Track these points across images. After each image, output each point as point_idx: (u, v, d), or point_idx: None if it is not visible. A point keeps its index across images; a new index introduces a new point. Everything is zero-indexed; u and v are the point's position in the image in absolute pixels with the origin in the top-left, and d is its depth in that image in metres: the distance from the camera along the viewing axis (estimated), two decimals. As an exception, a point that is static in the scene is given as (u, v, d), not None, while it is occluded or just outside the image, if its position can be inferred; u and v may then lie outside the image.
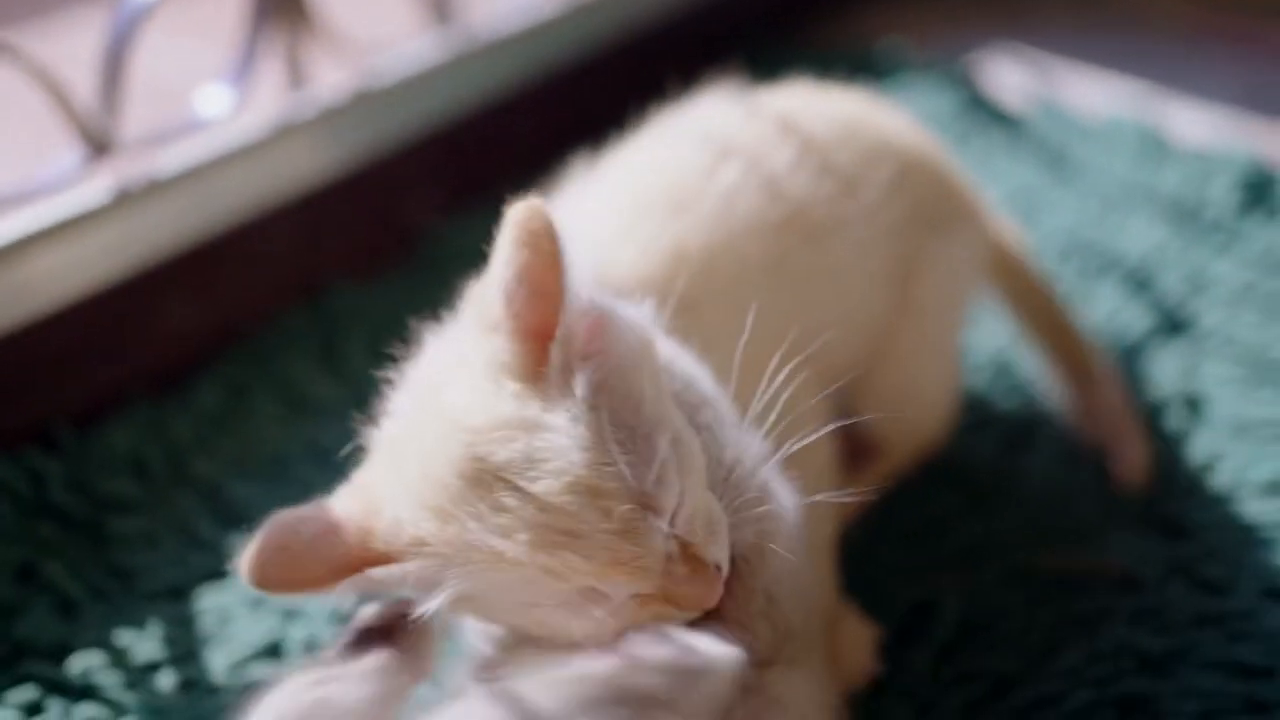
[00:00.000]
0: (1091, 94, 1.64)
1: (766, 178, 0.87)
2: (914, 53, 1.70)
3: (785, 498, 0.73)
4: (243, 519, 0.99)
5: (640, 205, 0.84)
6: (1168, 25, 1.83)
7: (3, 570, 0.94)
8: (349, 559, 0.61)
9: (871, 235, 0.92)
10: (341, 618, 0.92)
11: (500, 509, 0.59)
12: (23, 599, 0.92)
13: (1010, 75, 1.69)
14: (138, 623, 0.91)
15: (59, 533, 0.98)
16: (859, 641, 0.86)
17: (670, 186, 0.85)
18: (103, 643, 0.89)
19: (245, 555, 0.60)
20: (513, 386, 0.60)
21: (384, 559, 0.61)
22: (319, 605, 0.92)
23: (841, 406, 0.94)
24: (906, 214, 0.94)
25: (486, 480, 0.59)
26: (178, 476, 1.04)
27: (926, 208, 0.96)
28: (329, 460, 1.03)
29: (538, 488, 0.58)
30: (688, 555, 0.61)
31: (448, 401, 0.62)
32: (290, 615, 0.92)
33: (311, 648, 0.90)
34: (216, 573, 0.96)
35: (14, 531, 0.97)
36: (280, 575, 0.61)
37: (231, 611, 0.93)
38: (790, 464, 0.85)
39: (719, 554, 0.62)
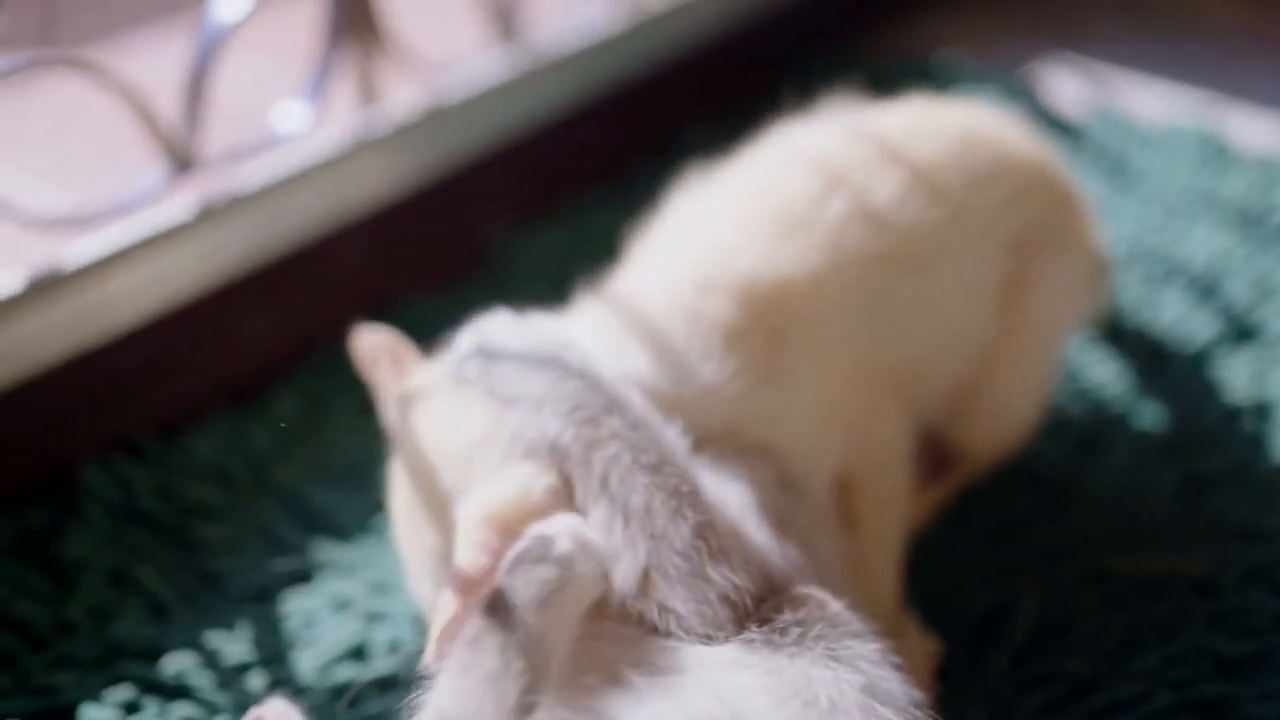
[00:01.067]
0: (1148, 102, 1.63)
1: (874, 209, 0.87)
2: (969, 63, 1.71)
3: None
4: (324, 525, 1.02)
5: (748, 228, 0.85)
6: (1223, 32, 1.83)
7: (97, 575, 0.96)
8: None
9: (979, 259, 0.92)
10: (424, 621, 0.93)
11: None
12: (117, 602, 0.95)
13: (1067, 85, 1.70)
14: (226, 625, 0.93)
15: (148, 538, 1.01)
16: (917, 658, 0.86)
17: (779, 212, 0.86)
18: (194, 644, 0.91)
19: None
20: None
21: None
22: (402, 608, 0.94)
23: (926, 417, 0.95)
24: (1020, 232, 0.94)
25: None
26: (259, 484, 1.07)
27: (1041, 224, 0.96)
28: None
29: None
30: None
31: None
32: (374, 618, 0.94)
33: (395, 649, 0.92)
34: (300, 576, 0.98)
35: (106, 537, 1.00)
36: None
37: (316, 615, 0.95)
38: (865, 484, 0.86)
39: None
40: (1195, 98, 1.64)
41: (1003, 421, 1.02)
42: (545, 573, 0.67)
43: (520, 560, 0.67)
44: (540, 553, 0.68)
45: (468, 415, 0.78)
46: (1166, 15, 1.88)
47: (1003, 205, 0.93)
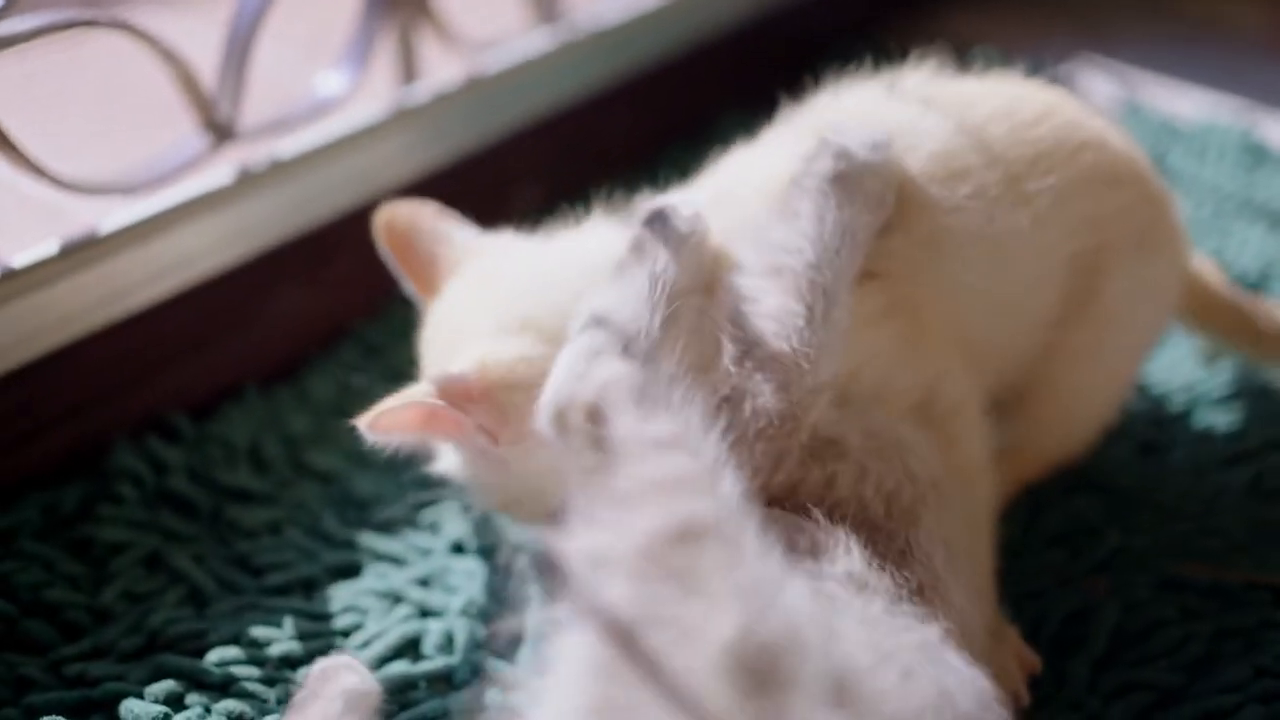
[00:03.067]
0: (1179, 106, 1.62)
1: (956, 128, 0.86)
2: (1004, 62, 1.68)
3: None
4: (368, 515, 0.97)
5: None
6: (1251, 35, 1.81)
7: (132, 559, 0.91)
8: None
9: (1046, 225, 0.87)
10: (476, 615, 0.89)
11: None
12: (154, 589, 0.90)
13: (1099, 85, 1.67)
14: (271, 617, 0.88)
15: (183, 523, 0.96)
16: (1013, 667, 0.83)
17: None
18: (238, 637, 0.86)
19: None
20: None
21: None
22: (455, 602, 0.90)
23: (995, 410, 0.92)
24: (1095, 218, 0.90)
25: None
26: (297, 467, 1.02)
27: (1123, 217, 0.92)
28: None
29: None
30: None
31: None
32: (426, 612, 0.90)
33: (447, 645, 0.87)
34: (348, 569, 0.93)
35: (141, 520, 0.95)
36: None
37: (365, 606, 0.90)
38: (947, 459, 0.83)
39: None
40: (1222, 101, 1.62)
41: (1072, 418, 0.99)
42: (685, 215, 0.78)
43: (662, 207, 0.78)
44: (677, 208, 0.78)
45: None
46: (1191, 18, 1.86)
47: (1074, 184, 0.89)
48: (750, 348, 0.74)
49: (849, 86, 0.93)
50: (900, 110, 0.88)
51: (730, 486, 0.60)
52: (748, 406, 0.73)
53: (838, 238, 0.77)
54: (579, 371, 0.66)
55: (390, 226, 0.89)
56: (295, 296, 1.11)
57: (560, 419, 0.65)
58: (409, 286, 0.91)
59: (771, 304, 0.75)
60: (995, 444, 0.89)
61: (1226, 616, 0.90)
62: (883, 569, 0.71)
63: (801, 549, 0.69)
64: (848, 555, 0.68)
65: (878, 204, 0.80)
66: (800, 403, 0.73)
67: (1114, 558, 0.96)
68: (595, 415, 0.63)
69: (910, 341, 0.83)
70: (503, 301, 0.82)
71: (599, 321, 0.70)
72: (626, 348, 0.68)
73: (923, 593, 0.73)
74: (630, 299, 0.72)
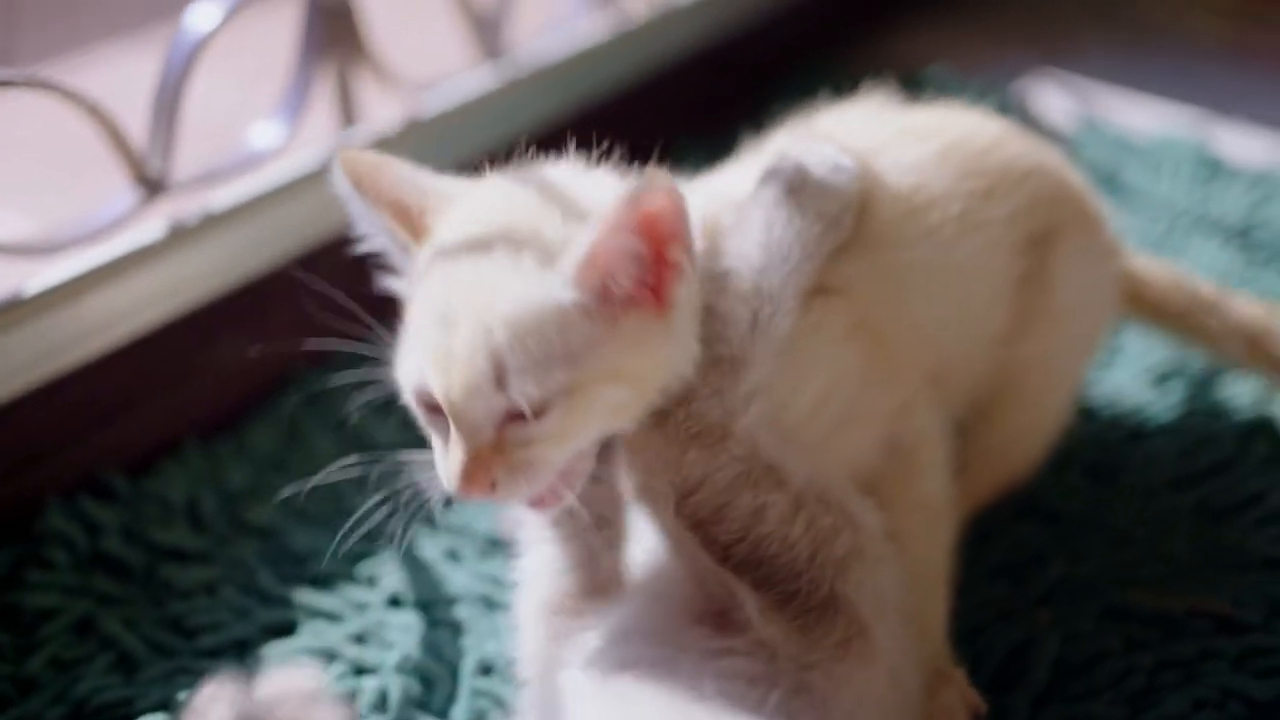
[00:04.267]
0: (1136, 118, 1.61)
1: (911, 164, 0.87)
2: (958, 79, 1.68)
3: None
4: (304, 570, 0.97)
5: None
6: (1212, 46, 1.81)
7: (61, 626, 0.90)
8: None
9: (999, 249, 0.90)
10: (411, 671, 0.88)
11: None
12: (82, 655, 0.89)
13: (1056, 100, 1.67)
14: (202, 682, 0.87)
15: (116, 585, 0.95)
16: (959, 711, 0.81)
17: None
18: (166, 703, 0.85)
19: None
20: None
21: None
22: (390, 658, 0.89)
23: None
24: (1036, 232, 0.93)
25: None
26: (234, 525, 1.01)
27: (1052, 216, 0.94)
28: (390, 505, 1.00)
29: None
30: (484, 452, 0.68)
31: None
32: (361, 670, 0.89)
33: (381, 704, 0.86)
34: (281, 628, 0.92)
35: (71, 584, 0.94)
36: None
37: (300, 665, 0.89)
38: (900, 492, 0.83)
39: (502, 478, 0.68)
40: (1181, 112, 1.62)
41: (1023, 432, 0.99)
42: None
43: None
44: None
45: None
46: (1152, 31, 1.86)
47: (1022, 209, 0.92)
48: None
49: (806, 122, 0.95)
50: (860, 144, 0.88)
51: None
52: (681, 411, 0.72)
53: (786, 248, 0.77)
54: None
55: (356, 173, 0.76)
56: (234, 348, 1.10)
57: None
58: (373, 229, 0.78)
59: (719, 306, 0.74)
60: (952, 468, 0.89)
61: (1169, 646, 0.89)
62: (801, 622, 0.70)
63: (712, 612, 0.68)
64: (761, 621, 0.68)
65: (833, 223, 0.80)
66: (732, 409, 0.73)
67: (1058, 587, 0.95)
68: None
69: (878, 361, 0.83)
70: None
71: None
72: None
73: (848, 645, 0.72)
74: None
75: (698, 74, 1.55)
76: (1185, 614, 0.92)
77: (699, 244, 0.75)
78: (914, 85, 1.65)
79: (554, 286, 0.68)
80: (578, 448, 0.71)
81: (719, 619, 0.74)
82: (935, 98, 1.59)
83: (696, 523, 0.73)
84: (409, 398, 0.73)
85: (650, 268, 0.69)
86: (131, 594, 0.94)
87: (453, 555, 0.98)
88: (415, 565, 0.97)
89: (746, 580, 0.72)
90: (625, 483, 0.78)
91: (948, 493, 0.87)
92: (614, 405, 0.70)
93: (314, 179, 1.14)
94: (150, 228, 1.05)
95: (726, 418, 0.73)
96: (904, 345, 0.85)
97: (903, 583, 0.79)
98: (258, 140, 1.14)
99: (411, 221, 0.75)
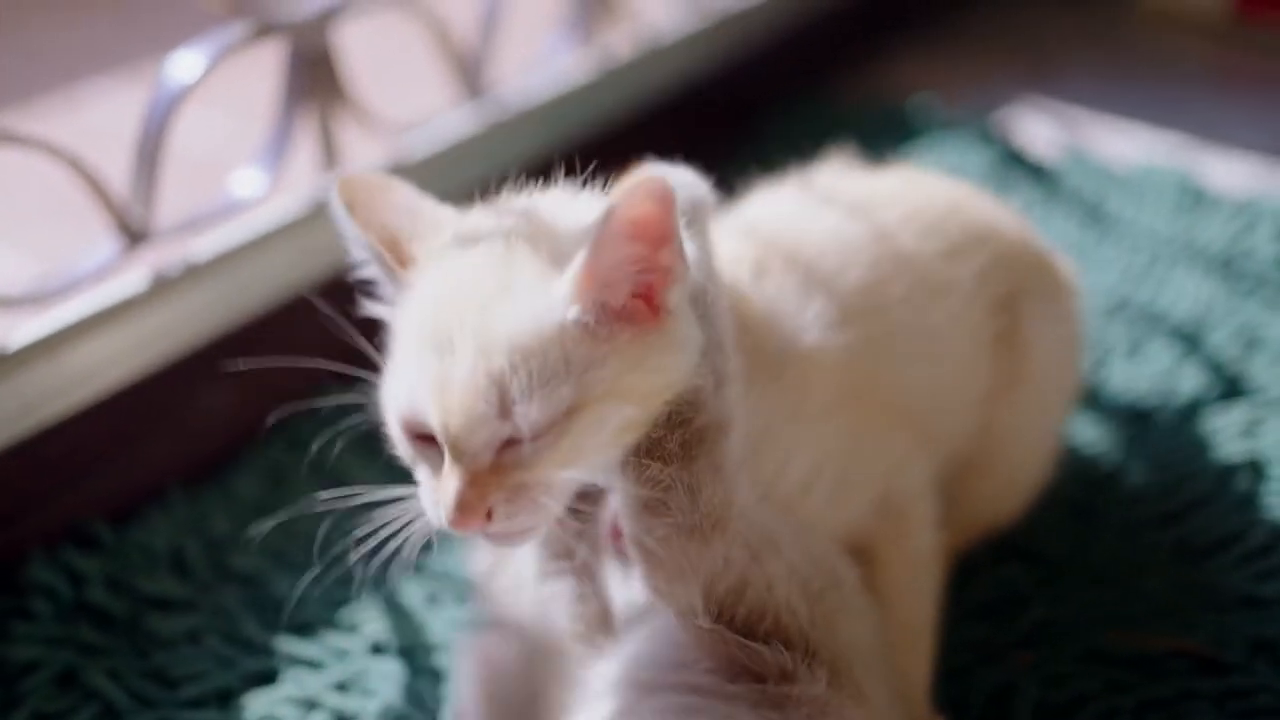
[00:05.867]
0: (1122, 145, 1.62)
1: (880, 232, 0.88)
2: (943, 108, 1.69)
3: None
4: (287, 617, 0.97)
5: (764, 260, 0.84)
6: (1196, 72, 1.82)
7: (44, 678, 0.91)
8: None
9: (971, 309, 0.91)
10: (393, 719, 0.88)
11: None
12: (65, 708, 0.89)
13: (1040, 128, 1.68)
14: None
15: (100, 635, 0.95)
16: None
17: (792, 244, 0.85)
18: (149, 754, 0.86)
19: None
20: None
21: None
22: (372, 705, 0.89)
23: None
24: (1004, 293, 0.94)
25: None
26: (219, 572, 1.01)
27: (1022, 280, 0.96)
28: (373, 550, 1.01)
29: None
30: (481, 479, 0.65)
31: None
32: (342, 719, 0.89)
33: (365, 752, 0.87)
34: (264, 674, 0.93)
35: (54, 635, 0.94)
36: None
37: (281, 715, 0.89)
38: (889, 551, 0.83)
39: (499, 506, 0.66)
40: (1167, 139, 1.62)
41: (1008, 481, 1.00)
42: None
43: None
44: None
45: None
46: (1137, 57, 1.87)
47: (989, 265, 0.93)
48: None
49: (769, 192, 0.97)
50: (825, 220, 0.90)
51: None
52: (692, 505, 0.70)
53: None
54: None
55: (352, 198, 0.74)
56: (218, 395, 1.11)
57: None
58: (364, 255, 0.76)
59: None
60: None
61: (1149, 687, 0.89)
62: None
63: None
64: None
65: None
66: (731, 485, 0.71)
67: (1040, 629, 0.95)
68: None
69: (868, 428, 0.84)
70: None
71: None
72: None
73: (841, 696, 0.72)
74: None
75: (682, 110, 1.56)
76: (1165, 654, 0.92)
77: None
78: (898, 116, 1.67)
79: (554, 305, 0.66)
80: (578, 472, 0.68)
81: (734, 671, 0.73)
82: (919, 128, 1.62)
83: (719, 610, 0.72)
84: (394, 427, 0.71)
85: (642, 277, 0.67)
86: (115, 644, 0.94)
87: (434, 600, 0.98)
88: (397, 611, 0.97)
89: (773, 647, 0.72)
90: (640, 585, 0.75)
91: (936, 550, 0.88)
92: (618, 424, 0.68)
93: (296, 226, 1.15)
94: (132, 279, 1.05)
95: (729, 495, 0.71)
96: (891, 409, 0.86)
97: (880, 632, 0.79)
98: (240, 189, 1.14)
99: (399, 248, 0.73)
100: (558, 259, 0.68)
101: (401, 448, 0.71)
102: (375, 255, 0.74)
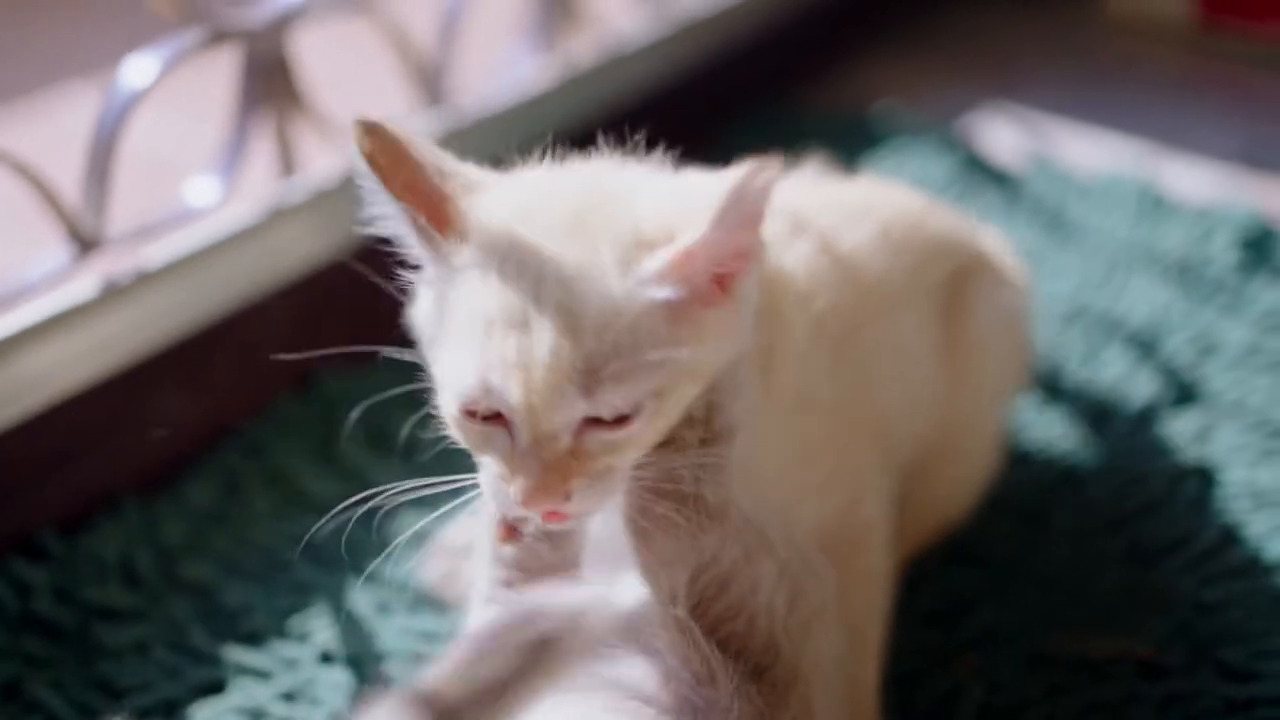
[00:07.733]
0: (1086, 151, 1.63)
1: (846, 250, 0.87)
2: (907, 115, 1.69)
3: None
4: (236, 627, 0.97)
5: None
6: (1162, 78, 1.83)
7: (-12, 690, 0.90)
8: None
9: (930, 319, 0.93)
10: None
11: None
12: (8, 720, 0.89)
13: (1004, 135, 1.68)
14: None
15: (46, 646, 0.95)
16: None
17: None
18: (92, 765, 0.85)
19: None
20: None
21: None
22: (318, 716, 0.89)
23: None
24: (947, 300, 0.95)
25: None
26: (169, 582, 1.01)
27: (966, 283, 0.97)
28: (325, 558, 1.01)
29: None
30: (562, 460, 0.63)
31: None
32: (287, 729, 0.89)
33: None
34: (211, 686, 0.92)
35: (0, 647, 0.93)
36: None
37: (227, 726, 0.89)
38: (840, 564, 0.83)
39: (580, 489, 0.64)
40: (1131, 146, 1.63)
41: (962, 478, 1.01)
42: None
43: None
44: None
45: None
46: (1102, 63, 1.88)
47: (944, 281, 0.96)
48: None
49: None
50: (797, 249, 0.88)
51: None
52: (692, 491, 0.70)
53: None
54: None
55: (372, 146, 0.67)
56: (172, 403, 1.11)
57: None
58: (386, 212, 0.68)
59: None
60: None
61: (1093, 691, 0.90)
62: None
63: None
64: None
65: None
66: (730, 480, 0.71)
67: (987, 633, 0.95)
68: None
69: (838, 471, 0.84)
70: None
71: None
72: None
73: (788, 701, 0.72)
74: None
75: (645, 118, 1.55)
76: (1108, 659, 0.92)
77: None
78: (862, 123, 1.67)
79: (644, 282, 0.64)
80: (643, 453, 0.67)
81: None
82: (883, 135, 1.63)
83: (697, 602, 0.71)
84: (452, 406, 0.66)
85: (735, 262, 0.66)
86: (61, 655, 0.94)
87: (384, 609, 0.98)
88: (347, 620, 0.97)
89: (730, 653, 0.71)
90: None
91: (889, 565, 0.88)
92: (682, 406, 0.67)
93: (250, 233, 1.15)
94: (84, 285, 1.05)
95: (730, 492, 0.71)
96: (865, 431, 0.86)
97: (844, 644, 0.79)
98: (194, 197, 1.14)
99: (434, 209, 0.67)
100: (639, 234, 0.66)
101: (460, 429, 0.67)
102: (409, 219, 0.67)
